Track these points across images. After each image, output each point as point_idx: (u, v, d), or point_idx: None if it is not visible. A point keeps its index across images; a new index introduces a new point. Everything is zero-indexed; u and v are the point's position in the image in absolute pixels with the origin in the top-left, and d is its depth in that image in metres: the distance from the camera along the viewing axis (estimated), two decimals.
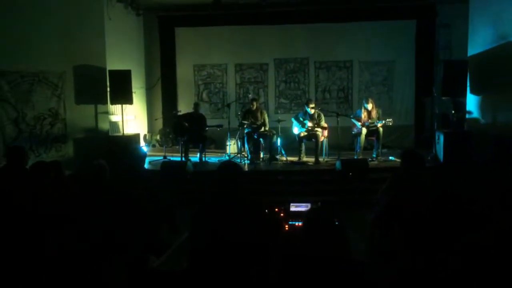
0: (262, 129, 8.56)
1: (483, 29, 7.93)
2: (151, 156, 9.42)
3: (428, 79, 10.16)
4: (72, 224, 3.24)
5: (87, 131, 8.20)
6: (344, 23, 10.53)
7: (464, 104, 8.43)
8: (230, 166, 2.85)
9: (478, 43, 8.07)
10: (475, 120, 8.26)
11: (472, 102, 8.26)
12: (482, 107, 8.02)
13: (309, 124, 8.40)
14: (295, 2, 9.77)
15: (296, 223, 3.06)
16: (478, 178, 3.97)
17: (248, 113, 8.72)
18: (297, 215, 3.14)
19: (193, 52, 10.98)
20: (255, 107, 8.68)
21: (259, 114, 8.69)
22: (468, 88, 7.97)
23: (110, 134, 8.73)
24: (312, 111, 8.40)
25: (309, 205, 3.28)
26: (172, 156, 8.87)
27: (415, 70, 10.50)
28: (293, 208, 3.30)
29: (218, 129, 8.92)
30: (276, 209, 3.09)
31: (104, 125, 8.60)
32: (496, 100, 7.65)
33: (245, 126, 8.48)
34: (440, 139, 7.83)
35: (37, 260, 2.87)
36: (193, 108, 8.92)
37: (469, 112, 8.37)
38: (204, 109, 9.88)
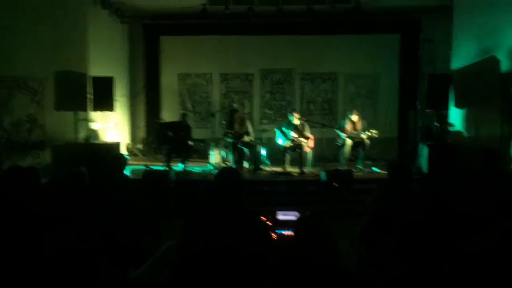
0: (246, 138, 8.46)
1: (466, 43, 8.04)
2: (132, 165, 9.27)
3: (412, 92, 10.23)
4: (54, 229, 3.09)
5: (66, 138, 7.98)
6: (330, 36, 10.61)
7: (447, 117, 8.49)
8: (230, 172, 2.78)
9: (461, 57, 8.17)
10: (458, 133, 8.31)
11: (455, 115, 8.33)
12: (466, 120, 8.09)
13: (293, 135, 8.34)
14: (282, 14, 9.78)
15: (284, 232, 2.95)
16: (466, 188, 3.95)
17: (230, 123, 8.64)
18: (285, 224, 3.04)
19: (178, 61, 10.89)
20: (234, 118, 8.58)
21: (237, 125, 8.55)
22: (452, 102, 8.04)
23: (89, 141, 8.51)
24: (297, 122, 8.35)
25: (297, 213, 3.18)
26: (154, 165, 8.69)
27: (399, 83, 10.60)
28: (281, 216, 3.18)
29: (202, 144, 8.81)
30: (263, 218, 2.98)
31: (83, 133, 8.39)
32: (479, 114, 7.71)
33: (226, 138, 8.41)
34: (424, 151, 7.85)
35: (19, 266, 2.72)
36: (180, 118, 8.80)
37: (452, 125, 8.43)
38: (188, 119, 9.73)
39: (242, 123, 8.54)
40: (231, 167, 3.58)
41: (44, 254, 2.80)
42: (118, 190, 4.23)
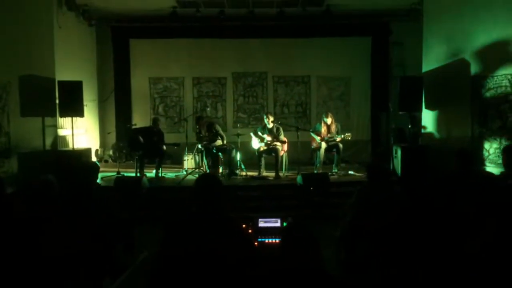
0: (219, 142, 8.36)
1: (436, 46, 8.17)
2: (103, 172, 8.98)
3: (383, 94, 10.41)
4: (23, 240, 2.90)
5: (33, 145, 7.65)
6: (302, 38, 10.60)
7: (419, 119, 8.60)
8: (209, 178, 2.66)
9: (432, 59, 8.30)
10: (429, 134, 8.43)
11: (427, 117, 8.44)
12: (437, 122, 8.21)
13: (268, 138, 8.28)
14: (253, 17, 9.73)
15: (266, 240, 2.85)
16: (446, 189, 3.96)
17: (198, 130, 8.54)
18: (267, 232, 2.93)
19: (149, 64, 10.67)
20: (200, 125, 8.47)
21: (203, 131, 8.47)
22: (423, 103, 8.15)
23: (58, 148, 8.20)
24: (271, 125, 8.30)
25: (278, 220, 3.08)
26: (126, 172, 8.46)
27: (371, 85, 10.71)
28: (262, 223, 3.06)
29: (175, 148, 8.64)
30: (244, 225, 2.86)
31: (51, 139, 8.07)
32: (450, 115, 7.84)
33: (198, 144, 8.37)
34: (398, 153, 7.91)
35: None
36: (151, 123, 8.61)
37: (424, 127, 8.55)
38: (160, 123, 9.50)
39: (209, 129, 8.43)
40: (210, 173, 3.43)
41: (13, 268, 2.63)
42: (90, 198, 4.06)
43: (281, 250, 1.96)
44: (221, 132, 8.53)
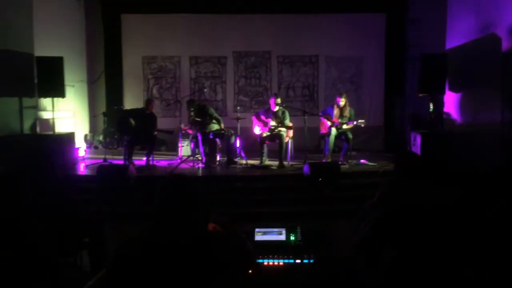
0: (215, 126, 7.60)
1: (463, 19, 7.31)
2: (92, 158, 8.29)
3: (399, 76, 9.66)
4: None
5: (9, 128, 6.88)
6: (310, 15, 9.73)
7: (442, 102, 7.75)
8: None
9: (457, 35, 7.49)
10: (451, 119, 7.61)
11: (450, 100, 7.61)
12: (461, 105, 7.39)
13: (272, 123, 7.46)
14: None
15: (266, 262, 1.97)
16: (492, 187, 3.16)
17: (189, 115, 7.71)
18: (267, 248, 2.03)
19: (142, 43, 9.81)
20: (190, 109, 7.63)
21: (195, 115, 7.60)
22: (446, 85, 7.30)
23: (38, 132, 7.42)
24: (277, 108, 7.47)
25: (283, 231, 2.19)
26: (115, 159, 7.68)
27: (385, 67, 9.87)
28: (259, 236, 2.15)
29: (170, 135, 7.84)
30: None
31: (30, 122, 7.28)
32: (477, 98, 7.02)
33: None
34: (417, 140, 7.08)
35: None
36: (144, 105, 7.90)
37: (447, 114, 7.72)
38: (154, 106, 8.68)
39: (201, 113, 7.59)
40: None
41: None
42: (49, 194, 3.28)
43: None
44: (216, 115, 7.75)
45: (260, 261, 1.95)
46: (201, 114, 7.61)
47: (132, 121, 7.41)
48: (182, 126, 7.94)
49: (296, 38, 9.84)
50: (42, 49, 7.45)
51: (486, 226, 2.79)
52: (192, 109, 7.57)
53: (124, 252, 1.72)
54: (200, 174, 6.91)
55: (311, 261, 2.03)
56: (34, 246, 2.25)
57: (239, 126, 7.55)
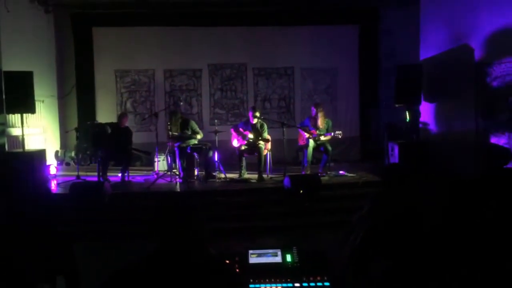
0: (194, 140, 7.46)
1: (436, 30, 7.43)
2: (64, 176, 7.97)
3: (373, 87, 9.79)
4: None
5: None
6: (284, 27, 9.75)
7: (418, 113, 7.84)
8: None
9: (430, 46, 7.56)
10: (426, 129, 7.70)
11: (425, 110, 7.71)
12: (437, 115, 7.47)
13: (250, 135, 7.38)
14: (232, 2, 8.79)
15: (262, 287, 1.83)
16: (479, 192, 3.15)
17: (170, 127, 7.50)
18: (262, 271, 1.89)
19: (115, 56, 9.59)
20: (172, 121, 7.46)
21: (178, 128, 7.46)
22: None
23: (7, 150, 7.10)
24: (255, 120, 7.39)
25: (278, 253, 2.06)
26: (89, 175, 7.42)
27: (359, 78, 9.94)
28: (254, 259, 2.00)
29: (147, 156, 7.65)
30: (227, 261, 1.89)
31: None
32: (452, 107, 7.12)
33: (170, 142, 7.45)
34: (395, 150, 7.12)
35: None
36: (118, 120, 7.69)
37: (424, 123, 7.81)
38: (128, 121, 8.44)
39: (184, 126, 7.45)
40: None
41: None
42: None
43: None
44: (197, 130, 7.59)
45: (256, 286, 1.82)
46: (183, 128, 7.46)
47: (109, 128, 7.24)
48: (169, 142, 7.67)
49: (271, 50, 9.81)
50: (10, 63, 7.18)
51: (482, 230, 2.77)
52: (173, 120, 7.39)
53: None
54: (178, 190, 6.73)
55: (311, 284, 1.91)
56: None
57: (217, 139, 7.43)
